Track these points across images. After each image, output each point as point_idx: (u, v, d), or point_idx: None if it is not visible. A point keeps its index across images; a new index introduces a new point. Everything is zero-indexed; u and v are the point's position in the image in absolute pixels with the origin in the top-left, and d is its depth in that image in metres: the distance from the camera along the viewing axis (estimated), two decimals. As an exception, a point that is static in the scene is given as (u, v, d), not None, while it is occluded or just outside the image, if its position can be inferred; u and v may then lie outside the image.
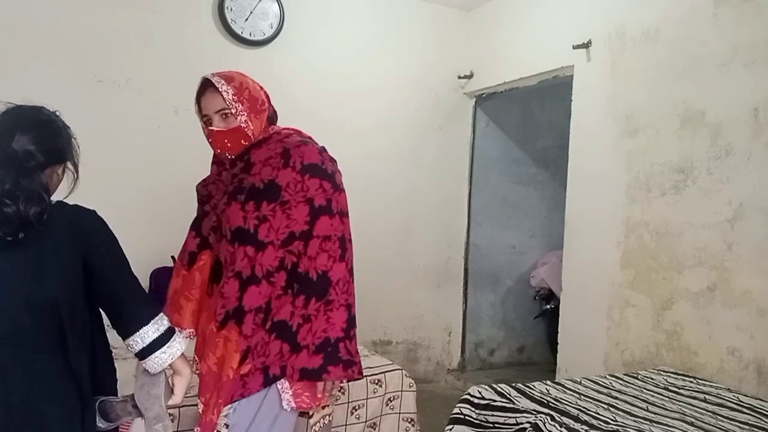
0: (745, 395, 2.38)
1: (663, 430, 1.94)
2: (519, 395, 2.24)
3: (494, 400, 2.21)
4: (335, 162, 1.77)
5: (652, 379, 2.57)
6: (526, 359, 4.93)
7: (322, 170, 1.68)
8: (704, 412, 2.17)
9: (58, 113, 1.56)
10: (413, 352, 4.49)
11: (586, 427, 1.92)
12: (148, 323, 1.42)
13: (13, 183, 1.32)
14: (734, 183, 2.66)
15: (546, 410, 2.07)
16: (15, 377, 1.31)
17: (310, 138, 1.81)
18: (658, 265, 2.98)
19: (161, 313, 1.47)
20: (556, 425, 1.94)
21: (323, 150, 1.75)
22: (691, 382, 2.53)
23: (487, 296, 4.76)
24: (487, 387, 2.30)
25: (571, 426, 1.93)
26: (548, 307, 4.52)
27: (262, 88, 1.78)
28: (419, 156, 4.39)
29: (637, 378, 2.57)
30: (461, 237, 4.62)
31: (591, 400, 2.23)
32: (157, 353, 1.41)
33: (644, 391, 2.40)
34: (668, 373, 2.65)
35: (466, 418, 2.23)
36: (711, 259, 2.74)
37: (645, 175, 3.07)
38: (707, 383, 2.52)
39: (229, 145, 1.70)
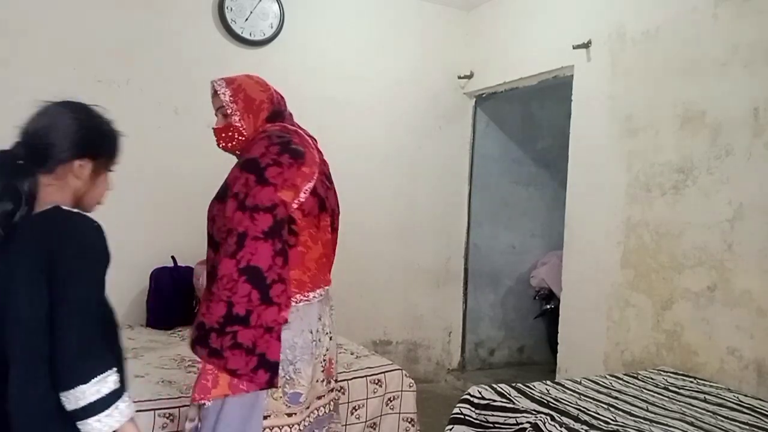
0: (745, 395, 2.38)
1: (663, 430, 1.93)
2: (519, 395, 2.24)
3: (494, 400, 2.21)
4: (297, 153, 1.73)
5: (652, 379, 2.57)
6: (526, 359, 4.93)
7: (255, 165, 1.67)
8: (704, 412, 2.17)
9: (95, 107, 1.49)
10: (413, 352, 4.50)
11: (586, 427, 1.92)
12: (88, 381, 1.18)
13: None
14: (734, 183, 2.66)
15: (546, 410, 2.07)
16: None
17: (288, 132, 1.80)
18: (658, 265, 2.98)
19: (110, 370, 1.22)
20: (556, 425, 1.94)
21: (282, 143, 1.73)
22: (691, 382, 2.53)
23: (487, 296, 4.76)
24: (487, 387, 2.30)
25: (571, 426, 1.93)
26: (548, 307, 4.52)
27: (267, 89, 1.91)
28: (419, 156, 4.39)
29: (637, 378, 2.57)
30: (461, 237, 4.62)
31: (591, 400, 2.23)
32: (91, 420, 1.19)
33: (644, 391, 2.40)
34: (668, 373, 2.65)
35: (466, 418, 2.22)
36: (711, 259, 2.74)
37: (645, 175, 3.07)
38: (707, 383, 2.52)
39: (222, 141, 1.87)
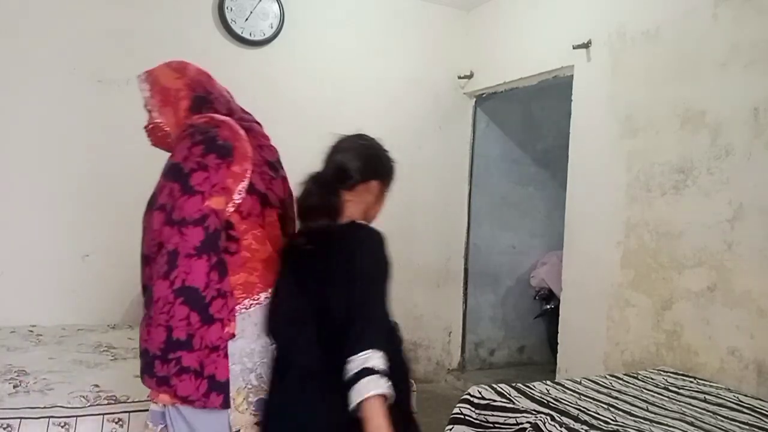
0: (745, 395, 2.38)
1: (663, 430, 1.93)
2: (519, 395, 2.23)
3: (494, 400, 2.21)
4: (225, 151, 1.55)
5: (652, 379, 2.57)
6: (526, 359, 4.93)
7: (178, 171, 1.51)
8: (704, 412, 2.17)
9: (377, 139, 1.82)
10: (413, 352, 4.49)
11: (586, 427, 1.92)
12: (368, 350, 1.40)
13: (318, 197, 1.58)
14: (734, 183, 2.66)
15: (546, 410, 2.07)
16: None
17: (215, 124, 1.60)
18: (658, 265, 2.98)
19: (383, 352, 1.42)
20: (556, 425, 1.94)
21: (206, 140, 1.55)
22: (691, 382, 2.53)
23: (487, 296, 4.76)
24: (487, 387, 2.30)
25: (571, 426, 1.93)
26: (548, 307, 4.52)
27: (183, 75, 1.72)
28: (419, 156, 4.39)
29: (637, 378, 2.57)
30: (461, 237, 4.62)
31: (591, 400, 2.23)
32: (364, 380, 1.36)
33: (644, 391, 2.40)
34: (668, 373, 2.65)
35: (466, 418, 2.22)
36: (711, 259, 2.74)
37: (645, 175, 3.07)
38: (707, 383, 2.52)
39: (152, 140, 1.73)
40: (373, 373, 1.37)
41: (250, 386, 1.59)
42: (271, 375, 1.59)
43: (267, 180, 1.67)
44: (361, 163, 1.67)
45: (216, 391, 1.49)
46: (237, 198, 1.55)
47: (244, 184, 1.57)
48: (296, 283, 1.59)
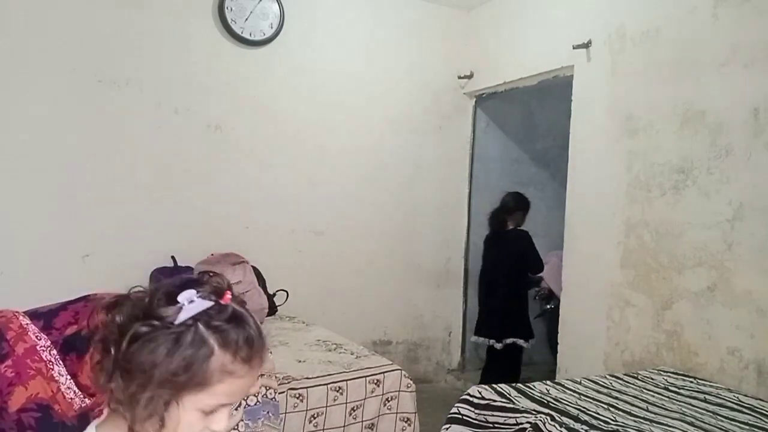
0: (745, 395, 2.38)
1: (663, 430, 1.93)
2: (519, 395, 2.23)
3: (494, 400, 2.21)
4: None
5: (652, 379, 2.57)
6: (526, 359, 4.90)
7: None
8: (704, 412, 2.17)
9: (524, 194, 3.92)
10: (413, 352, 4.49)
11: (586, 427, 1.92)
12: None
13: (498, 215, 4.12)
14: (734, 183, 2.66)
15: (546, 410, 2.07)
16: None
17: None
18: (658, 265, 2.98)
19: None
20: (556, 425, 1.94)
21: None
22: (691, 382, 2.53)
23: (487, 296, 4.74)
24: (486, 387, 2.30)
25: (571, 426, 1.93)
26: (548, 307, 4.52)
27: None
28: (419, 156, 4.39)
29: (637, 378, 2.57)
30: (461, 237, 4.62)
31: (591, 400, 2.23)
32: None
33: (644, 391, 2.39)
34: (668, 373, 2.64)
35: (464, 417, 2.22)
36: (711, 259, 2.73)
37: (645, 175, 3.07)
38: (707, 383, 2.52)
39: None
40: None
41: None
42: None
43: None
44: (518, 201, 4.06)
45: None
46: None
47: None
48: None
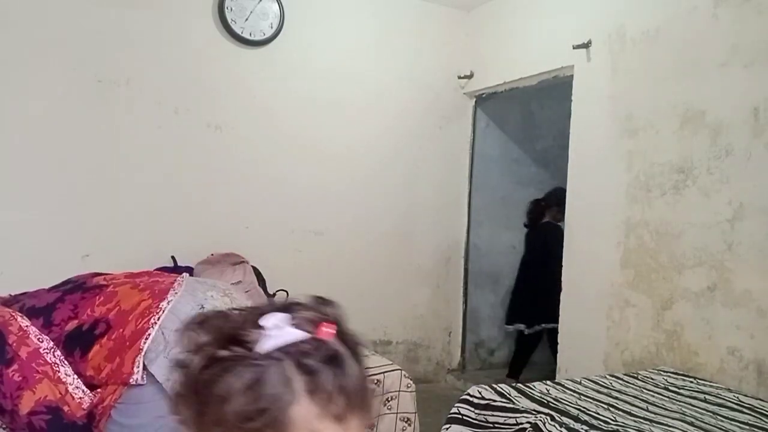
0: (745, 395, 2.38)
1: (663, 430, 1.93)
2: (519, 395, 2.23)
3: (494, 400, 2.21)
4: None
5: (652, 379, 2.57)
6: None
7: None
8: (704, 412, 2.17)
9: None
10: (413, 352, 4.49)
11: (586, 427, 1.92)
12: None
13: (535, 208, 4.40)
14: (734, 183, 2.66)
15: (546, 410, 2.07)
16: None
17: None
18: (658, 265, 2.98)
19: None
20: (556, 425, 1.94)
21: None
22: (691, 382, 2.53)
23: (487, 296, 4.75)
24: (487, 387, 2.30)
25: (571, 426, 1.93)
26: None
27: None
28: (419, 156, 4.39)
29: (637, 378, 2.57)
30: (461, 237, 4.62)
31: (591, 400, 2.23)
32: None
33: (644, 391, 2.40)
34: (668, 373, 2.64)
35: (464, 417, 2.22)
36: (711, 259, 2.73)
37: (645, 175, 3.07)
38: (707, 383, 2.52)
39: None
40: None
41: None
42: None
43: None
44: (559, 196, 3.89)
45: None
46: None
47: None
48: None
